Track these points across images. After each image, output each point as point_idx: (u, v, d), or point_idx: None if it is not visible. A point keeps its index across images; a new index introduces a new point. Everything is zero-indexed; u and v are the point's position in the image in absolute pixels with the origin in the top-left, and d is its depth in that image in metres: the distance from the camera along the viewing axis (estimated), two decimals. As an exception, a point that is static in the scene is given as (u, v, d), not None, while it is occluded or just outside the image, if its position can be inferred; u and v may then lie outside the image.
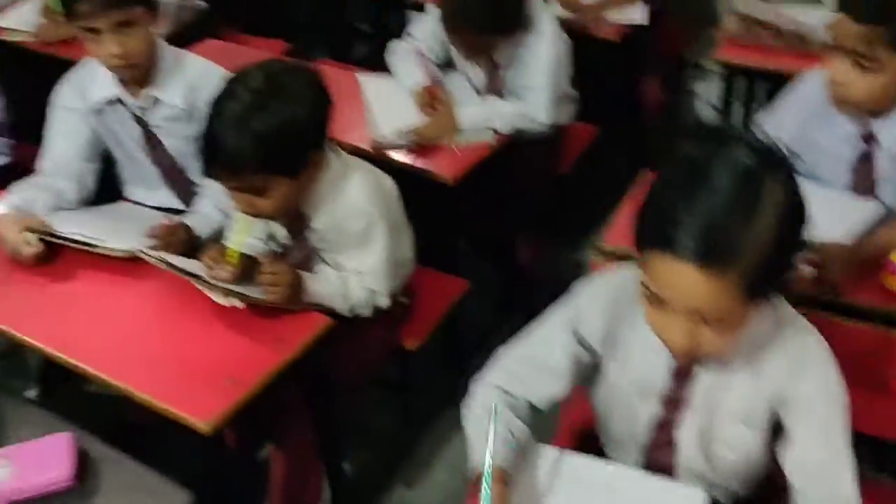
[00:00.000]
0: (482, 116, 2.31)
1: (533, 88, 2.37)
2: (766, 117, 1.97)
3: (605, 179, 2.76)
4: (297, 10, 3.92)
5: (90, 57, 1.98)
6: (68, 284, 1.80)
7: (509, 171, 2.39)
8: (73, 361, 1.60)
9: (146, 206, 2.15)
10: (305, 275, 1.76)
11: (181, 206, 2.13)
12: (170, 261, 1.70)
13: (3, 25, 2.83)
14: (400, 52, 2.53)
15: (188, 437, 1.51)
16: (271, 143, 1.57)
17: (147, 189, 2.16)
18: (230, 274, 1.68)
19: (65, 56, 2.56)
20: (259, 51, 2.77)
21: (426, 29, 2.52)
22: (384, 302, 1.86)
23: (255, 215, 1.69)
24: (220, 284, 1.66)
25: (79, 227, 1.87)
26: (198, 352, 1.62)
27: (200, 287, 1.68)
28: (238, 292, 1.66)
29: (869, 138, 1.81)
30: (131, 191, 2.19)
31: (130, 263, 1.80)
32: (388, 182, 1.87)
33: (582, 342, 1.35)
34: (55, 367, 1.66)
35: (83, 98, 2.02)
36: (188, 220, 1.96)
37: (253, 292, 1.68)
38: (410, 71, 2.45)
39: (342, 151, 1.80)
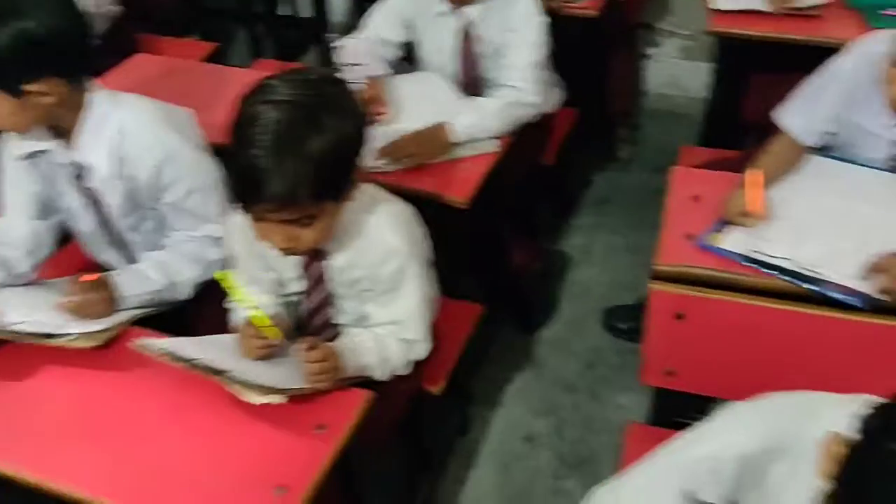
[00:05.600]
0: (474, 126, 2.06)
1: (517, 67, 2.17)
2: (797, 106, 1.83)
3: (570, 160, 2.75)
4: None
5: None
6: (37, 394, 1.52)
7: (500, 170, 2.15)
8: (74, 494, 1.34)
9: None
10: (344, 350, 1.57)
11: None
12: (181, 354, 1.45)
13: None
14: (347, 53, 2.26)
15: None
16: (328, 164, 1.37)
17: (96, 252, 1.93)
18: (278, 344, 1.52)
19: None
20: (198, 63, 2.61)
21: (381, 13, 2.30)
22: (423, 350, 1.69)
23: (294, 250, 1.48)
24: (254, 381, 1.43)
25: (24, 312, 1.60)
26: (229, 461, 1.38)
27: (230, 387, 1.44)
28: (279, 388, 1.43)
29: None
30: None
31: (108, 355, 1.55)
32: (411, 211, 1.68)
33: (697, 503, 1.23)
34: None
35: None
36: (117, 276, 1.71)
37: (291, 381, 1.47)
38: (352, 73, 2.19)
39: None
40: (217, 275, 1.54)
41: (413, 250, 1.60)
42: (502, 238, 2.36)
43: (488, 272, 2.40)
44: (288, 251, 1.48)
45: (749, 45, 2.37)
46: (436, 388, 1.90)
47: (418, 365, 1.78)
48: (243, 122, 1.37)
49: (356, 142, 1.45)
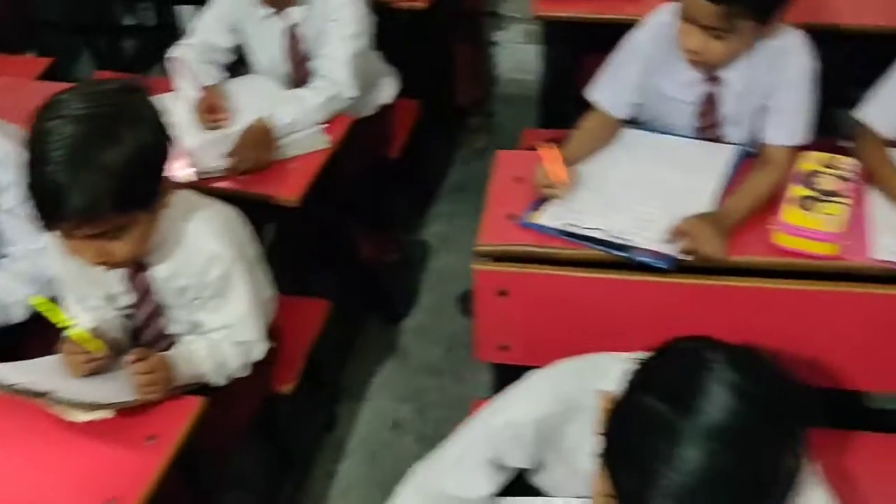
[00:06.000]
0: (296, 122, 2.08)
1: (336, 59, 2.18)
2: (604, 81, 1.91)
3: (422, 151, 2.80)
4: (48, 11, 3.47)
5: None
6: None
7: (335, 166, 2.18)
8: None
9: None
10: (177, 359, 1.56)
11: None
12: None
13: None
14: (177, 58, 2.25)
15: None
16: (128, 175, 1.37)
17: None
18: (104, 357, 1.50)
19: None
20: (28, 80, 2.46)
21: (207, 20, 2.28)
22: (260, 350, 1.70)
23: (109, 264, 1.48)
24: (77, 399, 1.41)
25: None
26: (54, 482, 1.36)
27: (53, 408, 1.42)
28: (104, 404, 1.43)
29: (713, 79, 1.81)
30: None
31: None
32: (233, 214, 1.69)
33: (503, 470, 1.30)
34: None
35: None
36: None
37: (120, 395, 1.46)
38: (187, 81, 2.21)
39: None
40: (32, 301, 1.51)
41: (236, 253, 1.61)
42: (347, 232, 2.39)
43: (338, 267, 2.43)
44: (103, 265, 1.47)
45: (575, 26, 2.45)
46: (286, 388, 1.92)
47: (266, 366, 1.80)
48: (36, 140, 1.36)
49: (159, 149, 1.46)
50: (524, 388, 1.27)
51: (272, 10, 2.19)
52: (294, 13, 2.20)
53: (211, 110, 2.12)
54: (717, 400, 0.90)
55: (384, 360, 2.54)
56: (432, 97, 2.85)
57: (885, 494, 1.59)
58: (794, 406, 0.95)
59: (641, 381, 0.98)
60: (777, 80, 1.75)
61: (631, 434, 0.95)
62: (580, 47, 2.58)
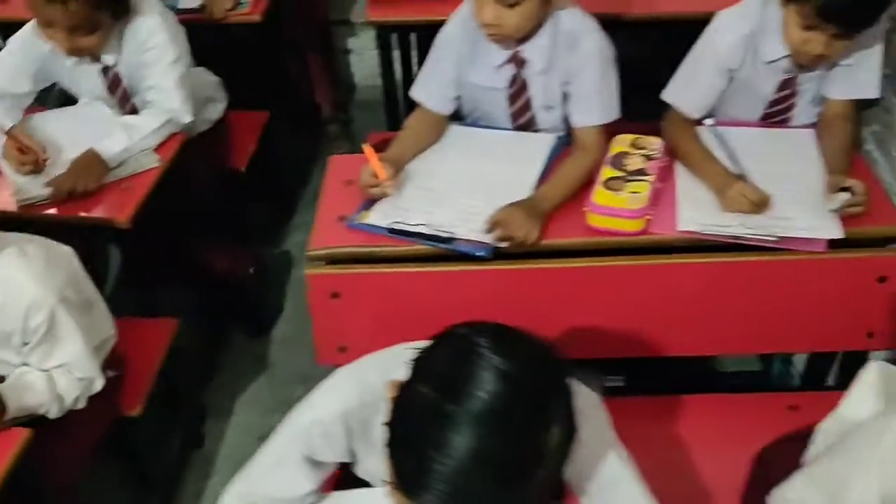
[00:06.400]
0: (127, 151, 2.05)
1: (163, 88, 2.14)
2: (423, 79, 1.96)
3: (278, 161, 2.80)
4: None
5: None
6: None
7: (175, 183, 2.15)
8: None
9: None
10: (5, 390, 1.53)
11: None
12: None
13: None
14: None
15: None
16: None
17: None
18: None
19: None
20: None
21: (4, 65, 2.18)
22: (99, 384, 1.69)
23: None
24: None
25: None
26: None
27: None
28: None
29: (517, 60, 1.86)
30: None
31: None
32: (60, 254, 1.66)
33: (321, 465, 1.32)
34: None
35: None
36: None
37: None
38: None
39: None
40: None
41: (59, 297, 1.59)
42: (194, 248, 2.38)
43: (193, 283, 2.42)
44: None
45: (408, 29, 2.49)
46: (134, 411, 1.90)
47: (109, 392, 1.78)
48: None
49: None
50: (331, 384, 1.30)
51: (79, 58, 2.12)
52: (107, 57, 2.14)
53: (21, 151, 2.02)
54: (484, 385, 0.94)
55: (251, 372, 2.54)
56: (288, 107, 2.87)
57: (712, 452, 1.69)
58: (558, 385, 1.00)
59: (418, 369, 1.02)
60: (574, 65, 1.83)
61: (407, 422, 0.98)
62: (421, 50, 2.63)
